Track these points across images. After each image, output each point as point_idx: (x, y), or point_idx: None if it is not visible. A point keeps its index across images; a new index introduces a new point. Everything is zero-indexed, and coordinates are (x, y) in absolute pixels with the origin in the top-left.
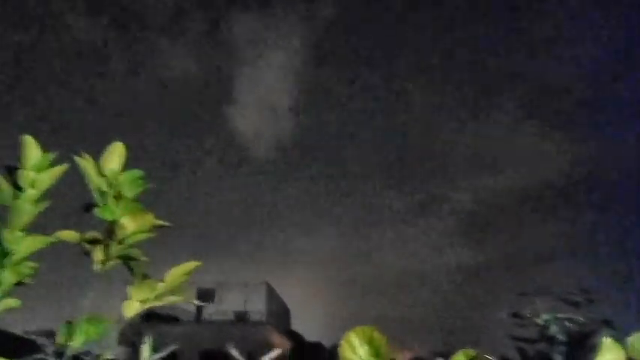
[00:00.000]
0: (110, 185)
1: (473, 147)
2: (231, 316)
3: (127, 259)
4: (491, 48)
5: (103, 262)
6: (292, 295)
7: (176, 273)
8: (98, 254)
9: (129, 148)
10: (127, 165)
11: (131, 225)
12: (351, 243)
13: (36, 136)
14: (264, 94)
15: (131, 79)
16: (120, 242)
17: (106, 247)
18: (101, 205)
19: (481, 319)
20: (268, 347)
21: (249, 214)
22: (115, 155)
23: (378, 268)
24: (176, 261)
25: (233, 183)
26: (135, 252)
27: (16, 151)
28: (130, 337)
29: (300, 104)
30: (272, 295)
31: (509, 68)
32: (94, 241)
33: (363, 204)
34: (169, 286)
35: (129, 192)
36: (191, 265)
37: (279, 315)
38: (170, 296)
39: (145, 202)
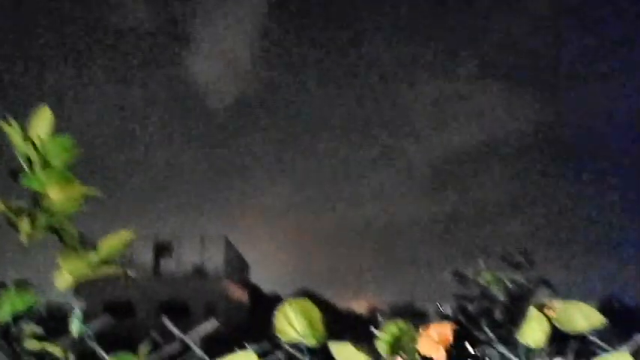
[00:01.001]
0: (37, 152)
1: (431, 104)
2: (188, 270)
3: (55, 231)
4: (454, 4)
5: (30, 234)
6: (251, 249)
7: (109, 243)
8: (24, 225)
9: (79, 99)
10: (84, 113)
11: (58, 195)
12: (309, 197)
13: None
14: (224, 48)
15: (82, 29)
16: (48, 213)
17: (33, 217)
18: (28, 173)
19: (426, 273)
20: (227, 301)
21: (208, 167)
22: (42, 120)
23: (335, 221)
24: (132, 216)
25: (190, 136)
26: (64, 222)
27: None
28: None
29: (261, 59)
30: (230, 249)
31: (470, 25)
32: (21, 212)
33: (321, 158)
34: (103, 256)
35: (57, 160)
36: (125, 235)
37: (238, 269)
38: (103, 267)
39: (96, 158)
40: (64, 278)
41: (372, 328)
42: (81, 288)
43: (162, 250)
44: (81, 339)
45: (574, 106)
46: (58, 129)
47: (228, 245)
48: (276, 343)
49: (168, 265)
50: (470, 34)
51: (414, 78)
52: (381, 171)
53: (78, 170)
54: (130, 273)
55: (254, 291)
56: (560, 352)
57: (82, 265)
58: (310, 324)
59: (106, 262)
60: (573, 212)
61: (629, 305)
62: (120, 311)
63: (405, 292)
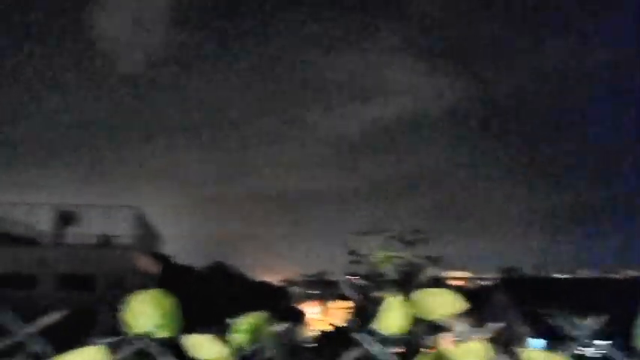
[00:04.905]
0: None
1: (347, 75)
2: (94, 240)
3: None
4: None
5: None
6: (162, 218)
7: None
8: None
9: None
10: None
11: None
12: (220, 165)
13: None
14: (135, 5)
15: None
16: None
17: None
18: None
19: (322, 250)
20: (135, 272)
21: (115, 134)
22: None
23: (246, 189)
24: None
25: (97, 96)
26: None
27: None
28: None
29: (173, 19)
30: (139, 218)
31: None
32: None
33: (232, 126)
34: None
35: None
36: None
37: (148, 238)
38: None
39: None
40: None
41: (227, 319)
42: None
43: (65, 218)
44: None
45: (492, 80)
46: None
47: (138, 214)
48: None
49: (72, 235)
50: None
51: (332, 49)
52: (292, 142)
53: None
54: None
55: (164, 261)
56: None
57: None
58: (164, 315)
59: None
60: (470, 190)
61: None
62: (22, 282)
63: (319, 264)
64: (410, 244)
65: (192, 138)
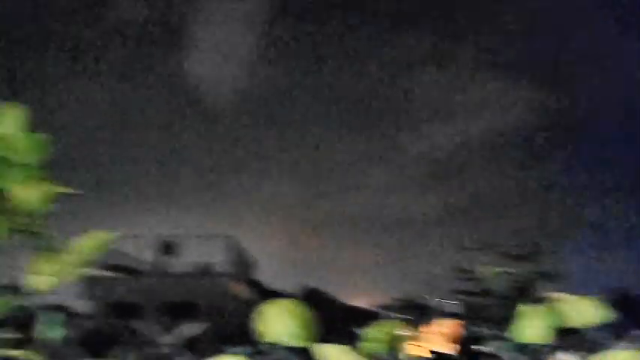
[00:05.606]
0: (6, 150)
1: (431, 95)
2: (193, 269)
3: (24, 232)
4: None
5: (0, 234)
6: (256, 245)
7: (85, 244)
8: None
9: (75, 96)
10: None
11: (25, 194)
12: (311, 193)
13: None
14: (222, 41)
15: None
16: (17, 213)
17: (2, 218)
18: None
19: (429, 269)
20: (233, 299)
21: (208, 164)
22: (11, 117)
23: (338, 215)
24: (136, 214)
25: (188, 132)
26: (35, 224)
27: None
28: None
29: (259, 56)
30: (234, 245)
31: (471, 13)
32: None
33: (322, 153)
34: (77, 258)
35: (28, 158)
36: (102, 235)
37: (243, 266)
38: (79, 269)
39: (98, 157)
40: (36, 281)
41: (356, 329)
42: (84, 289)
43: (166, 248)
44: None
45: (576, 96)
46: (52, 126)
47: (233, 242)
48: (259, 345)
49: (171, 264)
50: (471, 23)
51: (414, 70)
52: (380, 164)
53: (78, 169)
54: (109, 274)
55: (259, 287)
56: (561, 347)
57: (55, 267)
58: (298, 324)
59: (81, 263)
60: (579, 204)
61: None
62: (125, 311)
63: (407, 288)
64: (521, 259)
65: (283, 165)
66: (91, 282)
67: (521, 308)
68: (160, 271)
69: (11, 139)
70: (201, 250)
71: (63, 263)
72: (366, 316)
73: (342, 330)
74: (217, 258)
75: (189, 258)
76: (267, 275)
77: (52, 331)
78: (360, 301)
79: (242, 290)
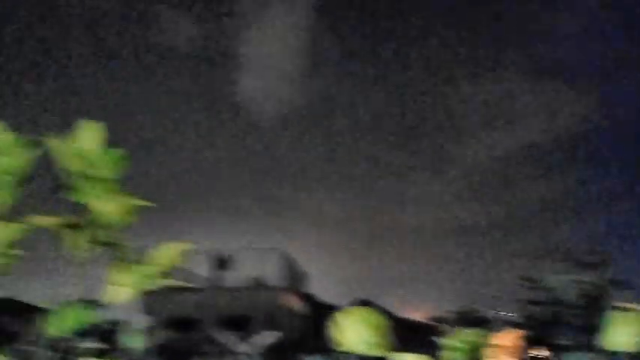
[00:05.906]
0: (85, 166)
1: (482, 103)
2: (246, 283)
3: (106, 245)
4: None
5: (81, 248)
6: (307, 258)
7: (162, 255)
8: (74, 240)
9: (133, 115)
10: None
11: (107, 208)
12: (364, 205)
13: (5, 119)
14: (271, 58)
15: (127, 48)
16: (98, 226)
17: (83, 232)
18: (75, 187)
19: (492, 280)
20: (287, 311)
21: (260, 178)
22: (90, 133)
23: (391, 228)
24: (189, 228)
25: (242, 148)
26: (115, 236)
27: None
28: (149, 308)
29: (308, 70)
30: (287, 259)
31: (519, 22)
32: (70, 226)
33: (375, 165)
34: (157, 269)
35: (106, 172)
36: (180, 246)
37: (295, 279)
38: (157, 280)
39: (160, 173)
40: (115, 292)
41: (435, 338)
42: (145, 303)
43: (220, 262)
44: (139, 352)
45: (627, 104)
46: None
47: (285, 255)
48: (335, 353)
49: (227, 278)
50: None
51: (465, 80)
52: (436, 175)
53: (134, 183)
54: (186, 284)
55: (312, 300)
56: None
57: (133, 279)
58: (374, 333)
59: (159, 274)
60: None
61: None
62: (184, 324)
63: (467, 299)
64: (590, 266)
65: (333, 178)
66: (147, 295)
67: (611, 316)
68: (214, 285)
69: (90, 155)
70: (255, 264)
71: (140, 275)
72: (421, 329)
73: (397, 344)
74: (270, 271)
75: (242, 272)
76: (319, 288)
77: (133, 341)
78: (415, 314)
79: (294, 303)
